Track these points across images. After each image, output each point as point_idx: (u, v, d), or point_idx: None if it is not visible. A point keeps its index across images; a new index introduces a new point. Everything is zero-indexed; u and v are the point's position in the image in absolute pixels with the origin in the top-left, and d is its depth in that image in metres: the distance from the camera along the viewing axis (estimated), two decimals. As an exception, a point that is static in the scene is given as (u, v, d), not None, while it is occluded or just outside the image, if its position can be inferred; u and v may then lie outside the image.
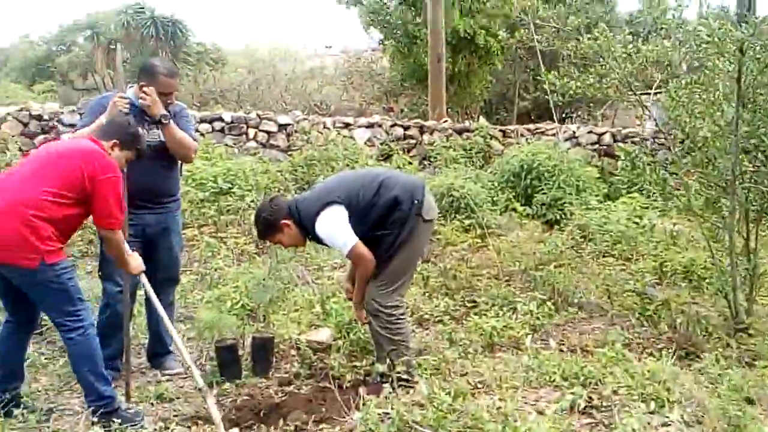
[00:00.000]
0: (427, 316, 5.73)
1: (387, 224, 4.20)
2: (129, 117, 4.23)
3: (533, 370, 4.49)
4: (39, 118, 10.55)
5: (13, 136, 10.16)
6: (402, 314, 4.30)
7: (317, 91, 26.60)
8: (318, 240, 4.30)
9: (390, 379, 4.04)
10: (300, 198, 4.39)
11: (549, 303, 5.96)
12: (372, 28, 20.68)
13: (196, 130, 11.43)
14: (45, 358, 4.92)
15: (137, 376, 4.69)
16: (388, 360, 4.20)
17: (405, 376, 4.10)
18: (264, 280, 5.11)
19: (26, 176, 3.68)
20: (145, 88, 4.41)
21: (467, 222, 8.41)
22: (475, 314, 5.89)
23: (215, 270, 6.10)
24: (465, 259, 7.12)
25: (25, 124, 10.55)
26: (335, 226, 4.15)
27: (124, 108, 4.32)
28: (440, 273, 6.72)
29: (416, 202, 4.23)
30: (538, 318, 5.77)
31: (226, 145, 10.99)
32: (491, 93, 22.82)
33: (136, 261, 4.04)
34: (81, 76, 29.30)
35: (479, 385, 4.44)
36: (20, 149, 9.45)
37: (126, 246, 3.99)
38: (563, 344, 5.53)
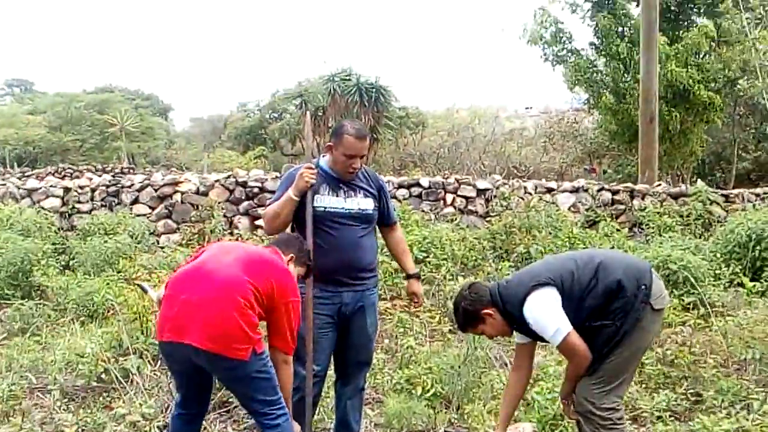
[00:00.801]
0: (645, 414, 4.97)
1: (607, 314, 3.61)
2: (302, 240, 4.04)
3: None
4: (244, 184, 10.92)
5: (219, 203, 10.55)
6: (620, 419, 3.66)
7: (516, 152, 26.21)
8: (525, 329, 3.78)
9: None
10: (503, 283, 3.89)
11: (794, 402, 5.03)
12: (577, 87, 20.00)
13: (393, 197, 11.47)
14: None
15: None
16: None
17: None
18: (459, 366, 4.63)
19: (230, 265, 3.51)
20: (310, 170, 4.16)
21: (687, 299, 7.47)
22: (702, 412, 5.10)
23: (407, 348, 5.71)
24: (686, 343, 6.24)
25: (231, 191, 10.95)
26: (546, 309, 3.60)
27: (312, 179, 4.11)
28: (658, 359, 5.92)
29: (643, 287, 3.62)
30: (781, 421, 4.86)
31: (423, 210, 10.77)
32: (705, 153, 21.23)
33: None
34: (290, 142, 30.78)
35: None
36: (224, 215, 9.75)
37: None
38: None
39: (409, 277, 4.55)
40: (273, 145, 31.61)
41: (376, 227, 4.54)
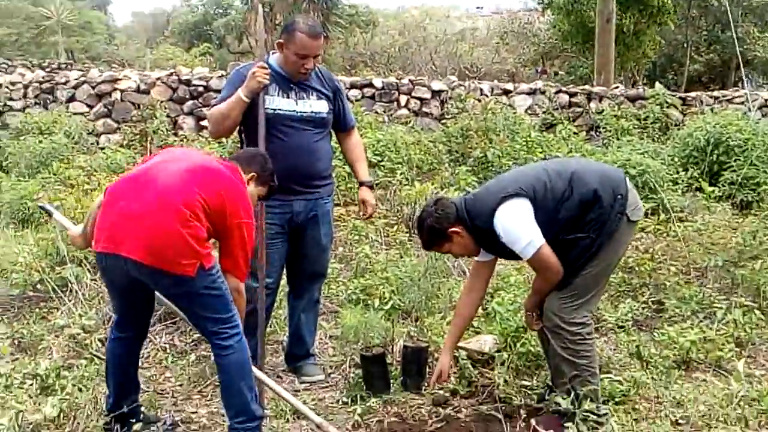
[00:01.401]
0: (610, 325, 4.82)
1: (581, 226, 3.35)
2: (264, 155, 3.61)
3: (749, 404, 3.63)
4: (188, 83, 10.33)
5: (162, 102, 9.98)
6: (589, 333, 3.46)
7: (468, 53, 25.72)
8: (494, 245, 3.51)
9: (571, 413, 3.30)
10: (469, 197, 3.56)
11: (757, 312, 4.94)
12: (530, -14, 19.48)
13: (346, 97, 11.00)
14: (177, 353, 4.47)
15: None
16: (568, 389, 3.42)
17: (590, 411, 3.32)
18: (419, 279, 4.38)
19: (176, 173, 3.10)
20: (263, 70, 3.74)
21: (648, 205, 7.30)
22: (666, 322, 4.99)
23: (362, 257, 5.44)
24: (648, 250, 6.10)
25: (174, 90, 10.36)
26: (517, 221, 3.32)
27: (265, 79, 3.71)
28: (620, 267, 5.77)
29: (620, 197, 3.36)
30: (744, 330, 4.78)
31: (376, 112, 10.37)
32: (658, 55, 21.03)
33: None
34: (237, 39, 29.64)
35: (681, 422, 3.62)
36: (168, 115, 9.22)
37: None
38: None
39: (361, 184, 4.24)
40: (219, 43, 30.47)
41: (332, 132, 4.19)
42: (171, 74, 10.53)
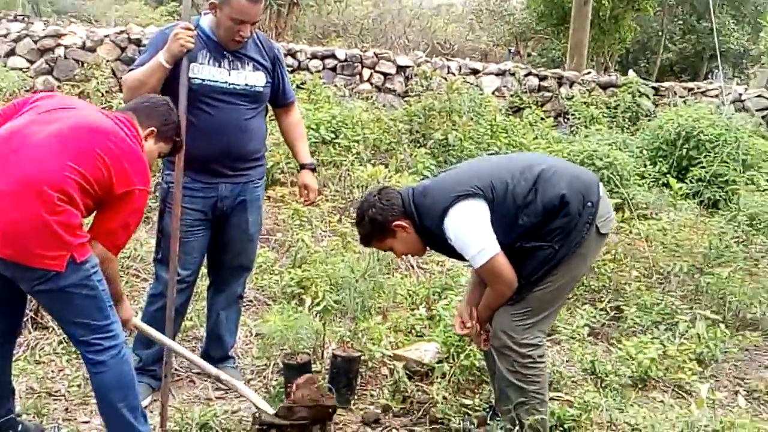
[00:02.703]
0: (564, 336, 4.42)
1: (544, 234, 2.93)
2: (167, 103, 3.04)
3: (715, 436, 3.28)
4: (138, 42, 9.65)
5: (108, 61, 9.34)
6: (541, 356, 3.04)
7: (442, 29, 25.17)
8: (442, 246, 3.07)
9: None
10: (419, 189, 3.10)
11: (722, 325, 4.60)
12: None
13: (305, 68, 10.48)
14: (61, 350, 3.91)
15: (182, 386, 3.68)
16: (512, 417, 3.02)
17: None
18: (356, 280, 3.92)
19: (44, 141, 2.51)
20: (187, 31, 3.23)
21: (612, 200, 6.88)
22: (624, 332, 4.63)
23: (302, 246, 4.95)
24: (610, 251, 5.71)
25: (123, 49, 9.71)
26: (470, 225, 2.89)
27: (189, 43, 3.20)
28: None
29: (589, 204, 2.94)
30: (707, 345, 4.43)
31: (336, 85, 9.83)
32: (632, 42, 20.68)
33: (126, 310, 2.97)
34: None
35: (637, 453, 3.26)
36: (114, 74, 8.60)
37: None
38: (741, 385, 4.24)
39: (302, 167, 3.76)
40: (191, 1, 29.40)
41: (269, 107, 3.70)
42: (121, 32, 9.86)
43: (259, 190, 3.68)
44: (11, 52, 9.73)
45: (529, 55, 23.23)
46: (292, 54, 10.27)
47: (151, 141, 2.87)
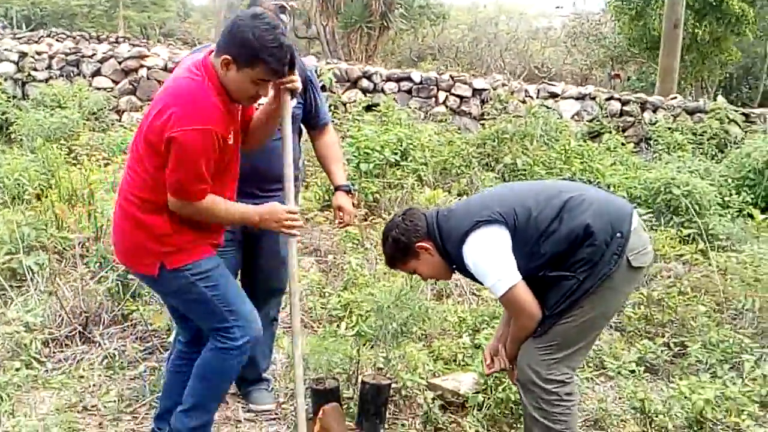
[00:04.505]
0: (613, 366, 4.19)
1: (569, 264, 2.77)
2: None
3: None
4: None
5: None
6: (569, 394, 2.86)
7: (539, 53, 24.91)
8: (465, 272, 2.96)
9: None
10: (443, 212, 3.00)
11: (793, 367, 4.26)
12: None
13: (381, 90, 10.48)
14: (125, 361, 4.00)
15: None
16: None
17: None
18: (390, 305, 3.81)
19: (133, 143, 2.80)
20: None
21: (686, 231, 6.56)
22: (685, 370, 4.34)
23: (351, 270, 4.89)
24: (677, 283, 5.40)
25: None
26: (489, 253, 2.77)
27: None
28: (643, 300, 5.12)
29: (619, 236, 2.76)
30: (773, 388, 4.10)
31: (410, 107, 9.78)
32: (734, 66, 19.86)
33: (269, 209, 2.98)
34: (304, 24, 29.27)
35: None
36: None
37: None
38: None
39: (337, 189, 3.69)
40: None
41: (302, 127, 3.66)
42: (204, 55, 10.13)
43: (293, 210, 3.63)
44: (97, 72, 10.15)
45: (628, 78, 22.62)
46: (367, 77, 10.30)
47: (231, 71, 2.59)
